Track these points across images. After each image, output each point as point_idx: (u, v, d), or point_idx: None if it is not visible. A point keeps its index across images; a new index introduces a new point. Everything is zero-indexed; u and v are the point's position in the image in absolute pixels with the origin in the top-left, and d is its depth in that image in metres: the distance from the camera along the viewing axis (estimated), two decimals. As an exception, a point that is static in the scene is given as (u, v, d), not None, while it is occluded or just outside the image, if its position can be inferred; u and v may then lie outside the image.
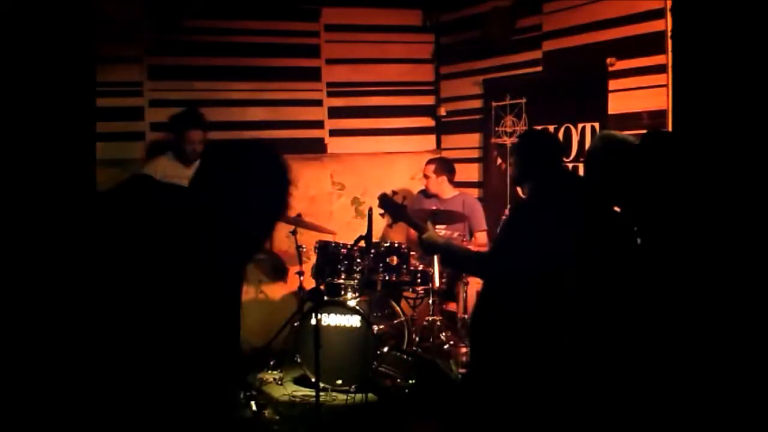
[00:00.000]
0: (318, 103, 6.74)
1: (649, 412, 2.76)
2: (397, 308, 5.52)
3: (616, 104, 5.18)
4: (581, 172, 4.95)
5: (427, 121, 7.09)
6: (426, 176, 6.07)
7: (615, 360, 3.01)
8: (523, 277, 3.16)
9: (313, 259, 5.70)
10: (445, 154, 6.82)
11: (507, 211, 6.08)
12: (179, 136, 5.45)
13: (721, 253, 2.44)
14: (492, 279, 3.33)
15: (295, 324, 5.36)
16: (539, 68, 5.91)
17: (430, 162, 6.13)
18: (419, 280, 5.52)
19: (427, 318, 5.41)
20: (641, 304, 2.89)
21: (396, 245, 5.54)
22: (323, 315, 5.18)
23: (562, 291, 3.08)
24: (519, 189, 4.04)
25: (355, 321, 5.22)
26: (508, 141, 6.13)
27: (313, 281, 5.56)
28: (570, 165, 5.45)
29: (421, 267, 5.54)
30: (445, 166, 6.07)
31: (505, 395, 3.19)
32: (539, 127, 5.78)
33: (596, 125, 5.29)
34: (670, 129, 4.59)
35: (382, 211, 4.11)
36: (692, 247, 2.52)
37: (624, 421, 2.94)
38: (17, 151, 3.94)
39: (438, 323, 5.36)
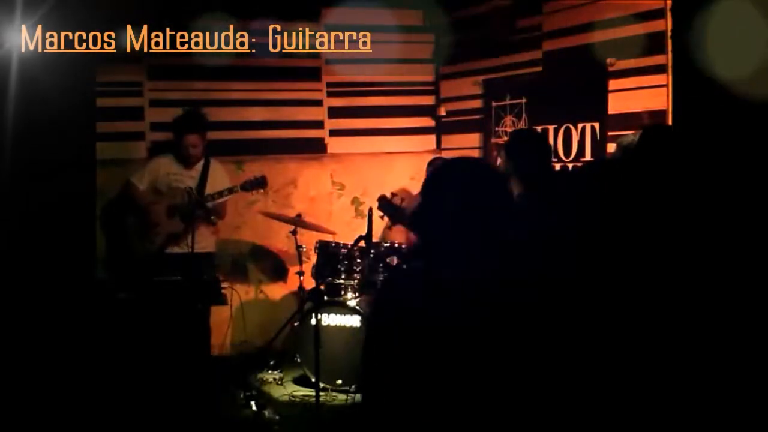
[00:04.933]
0: (318, 103, 6.73)
1: (650, 413, 2.76)
2: (397, 308, 5.50)
3: (616, 104, 5.18)
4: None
5: (427, 121, 7.08)
6: None
7: (615, 360, 3.01)
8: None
9: (313, 259, 5.70)
10: (445, 154, 6.81)
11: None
12: (178, 139, 5.49)
13: (720, 252, 2.44)
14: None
15: (295, 324, 5.36)
16: (539, 68, 5.90)
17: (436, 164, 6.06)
18: (419, 280, 5.51)
19: (427, 318, 5.39)
20: (641, 303, 2.88)
21: (396, 245, 5.53)
22: (323, 315, 5.17)
23: (563, 289, 3.08)
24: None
25: (355, 321, 5.22)
26: (508, 141, 6.14)
27: (313, 281, 5.56)
28: (570, 165, 5.46)
29: (421, 267, 5.53)
30: None
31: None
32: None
33: (596, 125, 5.29)
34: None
35: (381, 213, 4.12)
36: (691, 247, 2.52)
37: (625, 422, 2.94)
38: (17, 150, 3.94)
39: (438, 323, 5.35)
